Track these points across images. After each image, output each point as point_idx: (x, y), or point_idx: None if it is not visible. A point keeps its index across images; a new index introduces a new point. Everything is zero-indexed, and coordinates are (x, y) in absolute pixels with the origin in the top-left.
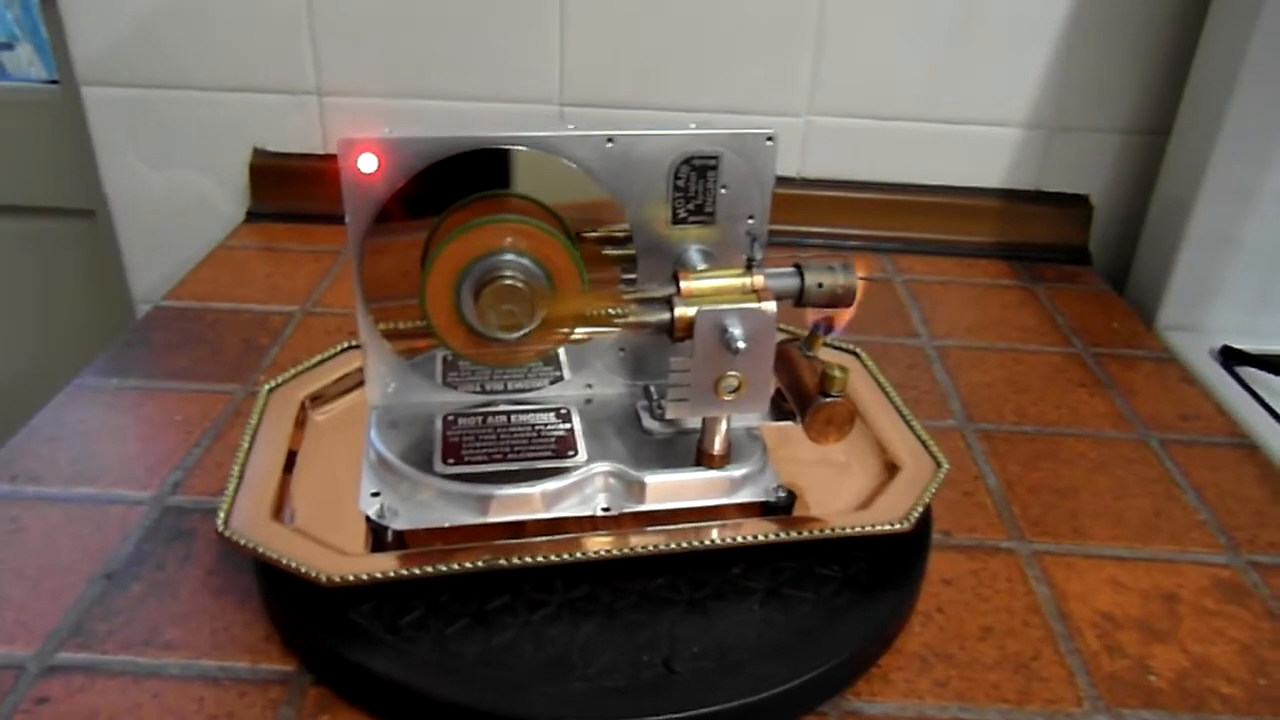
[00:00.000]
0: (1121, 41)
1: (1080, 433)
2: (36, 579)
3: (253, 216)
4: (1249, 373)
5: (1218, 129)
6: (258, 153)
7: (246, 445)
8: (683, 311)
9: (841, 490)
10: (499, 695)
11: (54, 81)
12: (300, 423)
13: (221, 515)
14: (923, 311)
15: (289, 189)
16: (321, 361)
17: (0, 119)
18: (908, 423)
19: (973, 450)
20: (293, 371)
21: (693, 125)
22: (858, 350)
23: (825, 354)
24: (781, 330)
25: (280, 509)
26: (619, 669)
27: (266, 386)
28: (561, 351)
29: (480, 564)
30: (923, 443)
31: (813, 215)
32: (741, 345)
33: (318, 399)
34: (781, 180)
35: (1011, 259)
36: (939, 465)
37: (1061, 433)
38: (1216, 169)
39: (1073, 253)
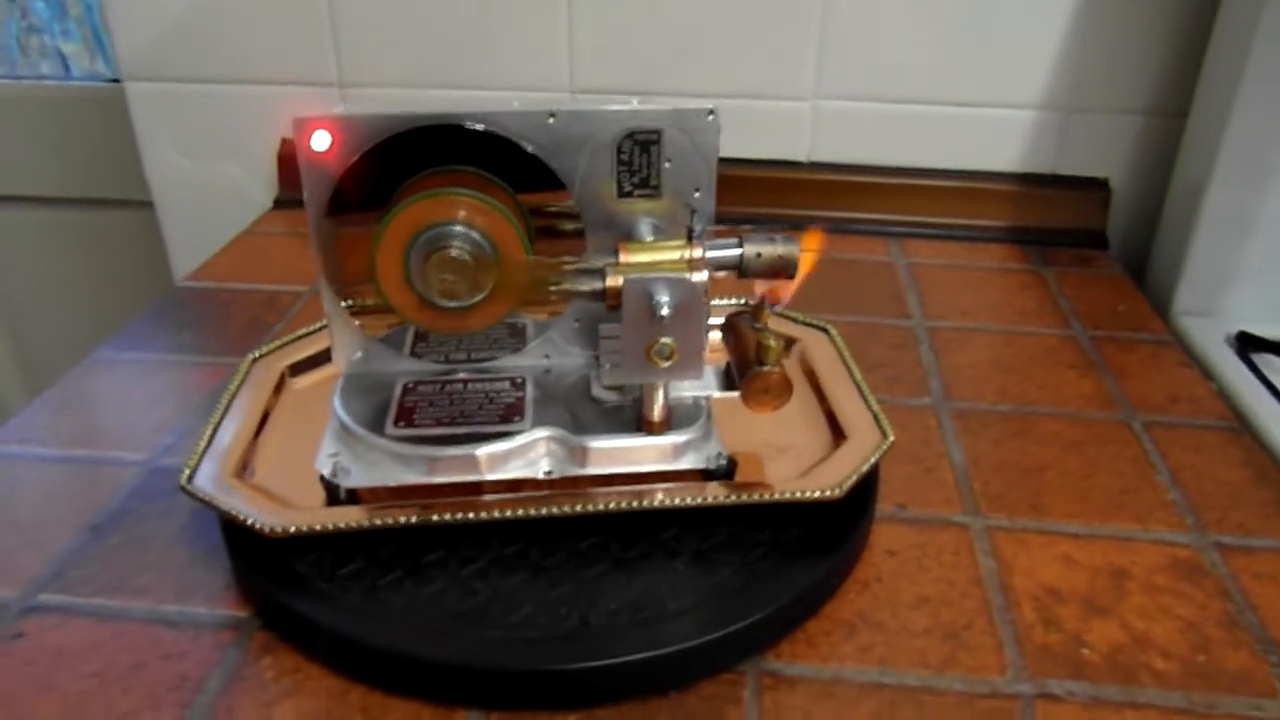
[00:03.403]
0: (1138, 20)
1: (1059, 413)
2: (29, 529)
3: (280, 204)
4: (1266, 359)
5: (1230, 109)
6: (285, 143)
7: (223, 408)
8: (613, 280)
9: (788, 461)
10: (415, 640)
11: (115, 80)
12: (279, 390)
13: (186, 471)
14: (920, 294)
15: None
16: (306, 335)
17: (67, 117)
18: (864, 398)
19: (943, 428)
20: (278, 343)
21: (634, 101)
22: (828, 327)
23: (798, 331)
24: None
25: (245, 467)
26: (536, 620)
27: (250, 356)
28: (529, 324)
29: (413, 520)
30: (874, 416)
31: (821, 200)
32: (666, 312)
33: (298, 368)
34: (789, 165)
35: (1026, 244)
36: (885, 437)
37: (1039, 412)
38: (1230, 151)
39: (1090, 237)
